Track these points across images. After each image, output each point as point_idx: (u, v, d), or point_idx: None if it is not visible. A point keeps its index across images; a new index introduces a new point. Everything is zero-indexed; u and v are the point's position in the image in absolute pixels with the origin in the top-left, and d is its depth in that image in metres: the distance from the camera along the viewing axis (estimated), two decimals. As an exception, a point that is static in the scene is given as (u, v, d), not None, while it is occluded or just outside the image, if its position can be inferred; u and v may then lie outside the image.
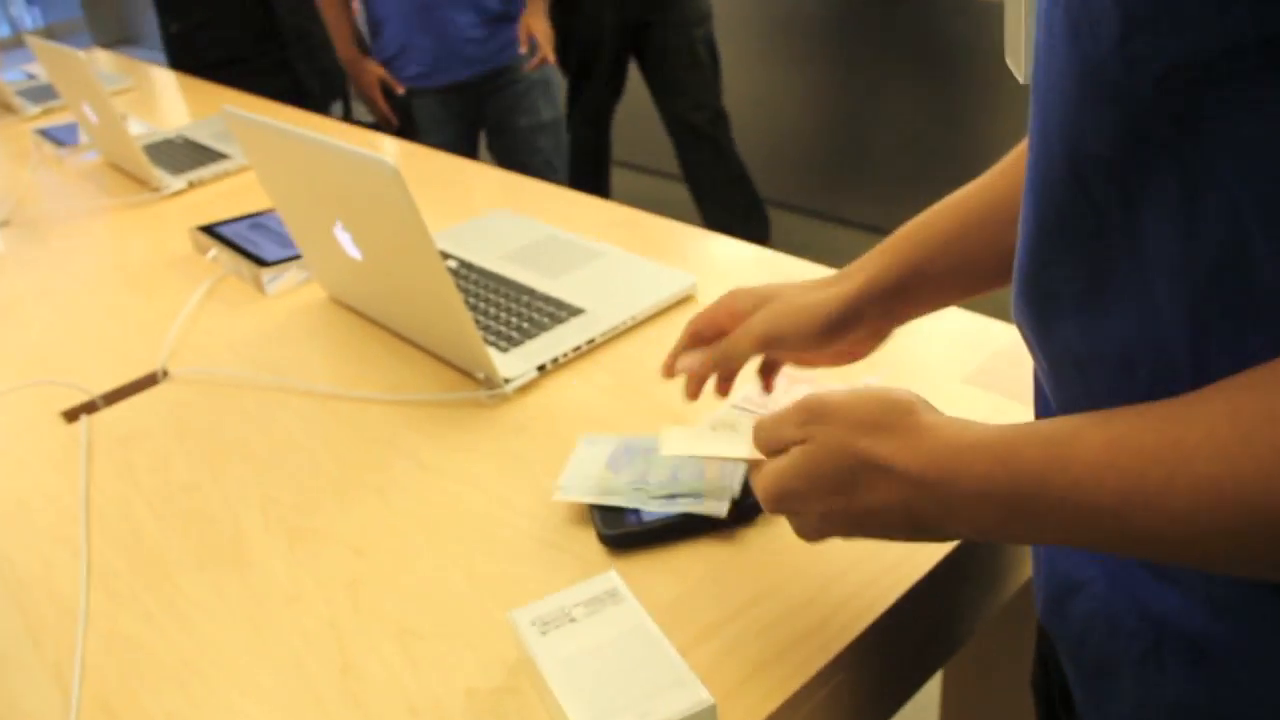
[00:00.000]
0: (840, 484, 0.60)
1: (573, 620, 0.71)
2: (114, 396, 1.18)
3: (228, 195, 1.79)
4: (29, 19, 8.49)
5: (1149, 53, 0.43)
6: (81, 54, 1.75)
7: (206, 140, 2.06)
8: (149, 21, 7.47)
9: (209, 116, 2.29)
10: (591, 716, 0.64)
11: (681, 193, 3.60)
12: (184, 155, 1.98)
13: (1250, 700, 0.52)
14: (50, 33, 8.12)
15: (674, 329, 1.14)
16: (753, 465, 0.69)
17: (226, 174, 1.89)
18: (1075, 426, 0.51)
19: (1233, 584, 0.52)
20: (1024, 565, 0.93)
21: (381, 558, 0.87)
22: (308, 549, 0.89)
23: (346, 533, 0.90)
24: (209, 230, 1.53)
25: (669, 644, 0.69)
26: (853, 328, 0.78)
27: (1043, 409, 0.66)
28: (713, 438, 0.75)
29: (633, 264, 1.25)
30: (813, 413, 0.63)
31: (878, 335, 0.81)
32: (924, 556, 0.79)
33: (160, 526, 0.95)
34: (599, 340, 1.12)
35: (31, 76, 3.01)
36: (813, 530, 0.65)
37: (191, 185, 1.84)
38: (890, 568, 0.78)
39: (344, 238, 1.11)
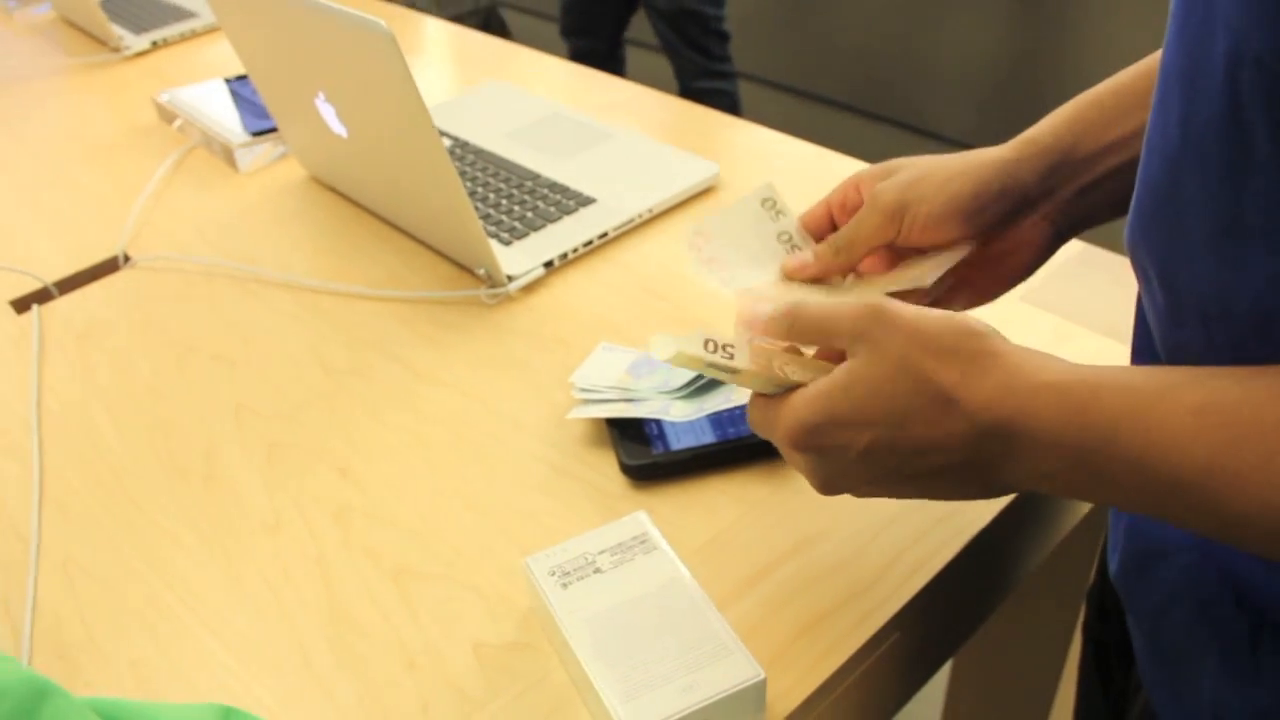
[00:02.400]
0: (895, 409, 0.48)
1: (598, 571, 0.62)
2: (69, 284, 1.06)
3: (196, 58, 1.64)
4: None
5: None
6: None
7: (171, -5, 1.90)
8: None
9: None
10: (623, 690, 0.55)
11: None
12: (146, 11, 1.82)
13: None
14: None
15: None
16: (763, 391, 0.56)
17: (194, 34, 1.73)
18: (1165, 383, 0.43)
19: None
20: (1076, 506, 0.84)
21: (372, 482, 0.77)
22: (289, 469, 0.79)
23: (332, 451, 0.80)
24: (177, 96, 1.39)
25: (710, 603, 0.59)
26: (1014, 205, 0.61)
27: (1143, 348, 0.56)
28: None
29: (648, 149, 1.13)
30: (875, 317, 0.50)
31: (1035, 244, 0.63)
32: (974, 514, 0.70)
33: (122, 438, 0.84)
34: (613, 235, 1.01)
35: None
36: (839, 475, 0.52)
37: (155, 45, 1.69)
38: (951, 512, 0.69)
39: (327, 111, 0.99)
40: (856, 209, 0.64)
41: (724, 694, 0.55)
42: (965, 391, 0.47)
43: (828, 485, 0.54)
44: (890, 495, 0.53)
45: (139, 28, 1.74)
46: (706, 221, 0.64)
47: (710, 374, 0.55)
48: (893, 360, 0.49)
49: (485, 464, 0.77)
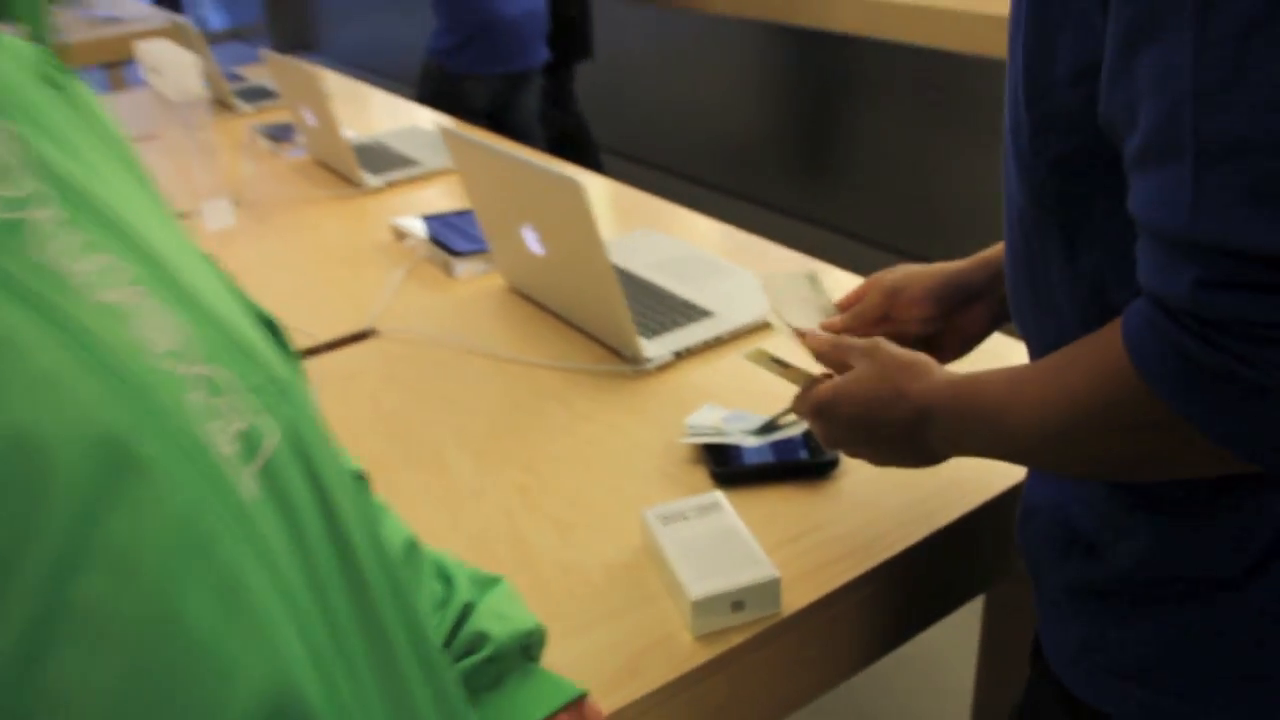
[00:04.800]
0: (871, 400, 0.85)
1: (685, 519, 0.99)
2: (335, 344, 1.50)
3: (419, 195, 2.12)
4: (214, 20, 9.17)
5: (1050, 140, 0.70)
6: (314, 69, 2.11)
7: (398, 146, 2.41)
8: (324, 29, 8.03)
9: (399, 127, 2.64)
10: (695, 578, 0.92)
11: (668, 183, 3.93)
12: (379, 158, 2.32)
13: (1114, 578, 0.78)
14: (235, 35, 8.77)
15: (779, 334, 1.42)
16: (804, 384, 0.95)
17: (417, 177, 2.23)
18: (993, 374, 0.79)
19: (1113, 503, 0.77)
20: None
21: (544, 474, 1.16)
22: (489, 464, 1.19)
23: (518, 455, 1.20)
24: (407, 223, 1.86)
25: (753, 538, 0.96)
26: (966, 296, 0.99)
27: None
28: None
29: (751, 279, 1.53)
30: (872, 343, 0.89)
31: (981, 321, 1.00)
32: (944, 514, 1.05)
33: (376, 440, 1.26)
34: (724, 337, 1.40)
35: (237, 77, 3.39)
36: (835, 438, 0.90)
37: (389, 185, 2.18)
38: (920, 518, 1.04)
39: (530, 237, 1.42)
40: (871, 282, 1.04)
41: (752, 583, 0.91)
42: (908, 389, 0.84)
43: (829, 442, 0.91)
44: (866, 457, 0.89)
45: (375, 170, 2.24)
46: (772, 279, 1.05)
47: (771, 370, 0.95)
48: (874, 369, 0.86)
49: (621, 468, 1.16)
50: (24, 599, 0.31)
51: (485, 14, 3.50)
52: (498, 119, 3.64)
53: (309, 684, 0.40)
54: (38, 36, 0.41)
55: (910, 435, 0.84)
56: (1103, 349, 0.68)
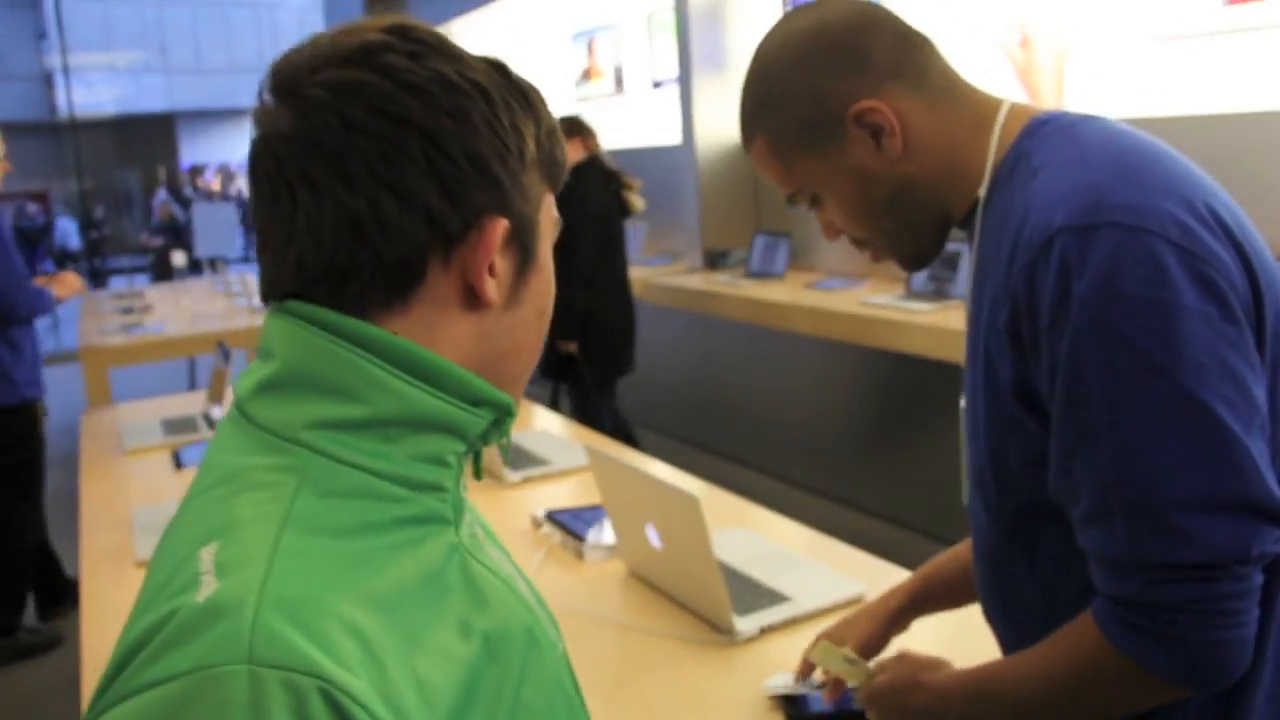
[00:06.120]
0: (899, 693, 1.23)
1: (767, 748, 1.37)
2: (494, 610, 1.92)
3: (551, 489, 2.58)
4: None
5: (1010, 498, 1.12)
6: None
7: (533, 446, 2.90)
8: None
9: (533, 430, 3.14)
10: (773, 788, 1.29)
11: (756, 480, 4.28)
12: (517, 456, 2.80)
13: None
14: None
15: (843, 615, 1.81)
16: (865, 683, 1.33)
17: (547, 475, 2.70)
18: (996, 664, 1.16)
19: None
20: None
21: (655, 713, 1.55)
22: (612, 705, 1.58)
23: (634, 699, 1.59)
24: (546, 514, 2.31)
25: (816, 764, 1.33)
26: (906, 614, 1.41)
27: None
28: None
29: (822, 571, 1.94)
30: (901, 660, 1.28)
31: (906, 623, 1.43)
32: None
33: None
34: (799, 617, 1.80)
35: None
36: (881, 716, 1.28)
37: (526, 480, 2.65)
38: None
39: (652, 533, 1.85)
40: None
41: (815, 793, 1.28)
42: (925, 681, 1.22)
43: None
44: None
45: (515, 467, 2.71)
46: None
47: (835, 669, 1.34)
48: (902, 670, 1.25)
49: (715, 711, 1.54)
50: (506, 695, 0.74)
51: None
52: None
53: None
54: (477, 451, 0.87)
55: (934, 716, 1.22)
56: (1081, 633, 1.06)
